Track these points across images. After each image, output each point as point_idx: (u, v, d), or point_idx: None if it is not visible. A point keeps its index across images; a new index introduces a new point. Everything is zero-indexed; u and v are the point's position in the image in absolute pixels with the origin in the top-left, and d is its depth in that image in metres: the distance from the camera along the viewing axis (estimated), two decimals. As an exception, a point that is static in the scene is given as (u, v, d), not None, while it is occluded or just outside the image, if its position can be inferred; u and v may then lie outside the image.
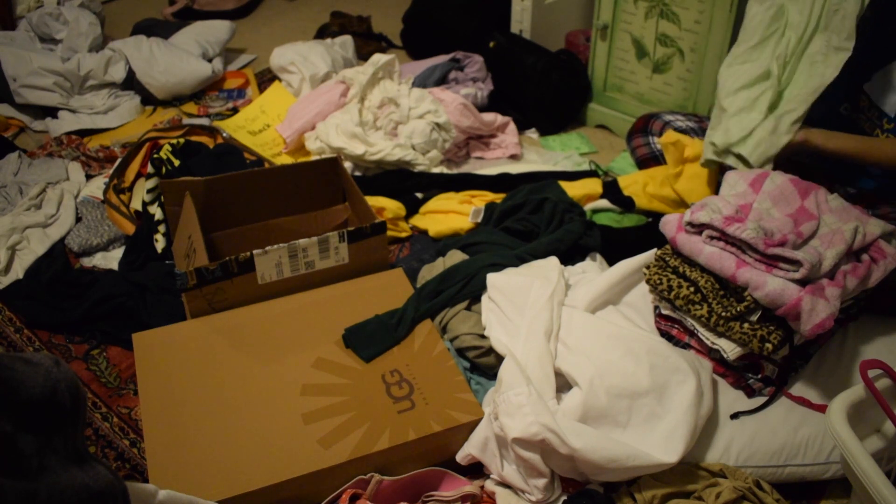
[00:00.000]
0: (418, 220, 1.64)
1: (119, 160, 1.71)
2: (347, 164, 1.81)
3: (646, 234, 1.49)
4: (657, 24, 1.82)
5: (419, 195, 1.70)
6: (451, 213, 1.60)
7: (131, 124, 2.06)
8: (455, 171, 1.86)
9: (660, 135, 1.61)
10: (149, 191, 1.50)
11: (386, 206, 1.60)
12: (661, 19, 1.81)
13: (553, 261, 1.27)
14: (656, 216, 1.54)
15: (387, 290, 1.28)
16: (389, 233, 1.56)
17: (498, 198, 1.62)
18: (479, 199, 1.62)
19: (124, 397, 1.27)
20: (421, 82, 2.00)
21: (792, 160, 1.46)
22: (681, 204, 1.55)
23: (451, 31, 2.28)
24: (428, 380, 1.12)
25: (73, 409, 0.66)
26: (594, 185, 1.63)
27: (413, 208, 1.67)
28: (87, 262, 1.57)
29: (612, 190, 1.61)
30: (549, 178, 1.64)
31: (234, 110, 2.11)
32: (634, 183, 1.60)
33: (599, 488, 1.03)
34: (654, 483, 1.00)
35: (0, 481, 0.58)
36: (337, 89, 1.94)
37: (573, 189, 1.60)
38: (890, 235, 1.12)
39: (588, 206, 1.60)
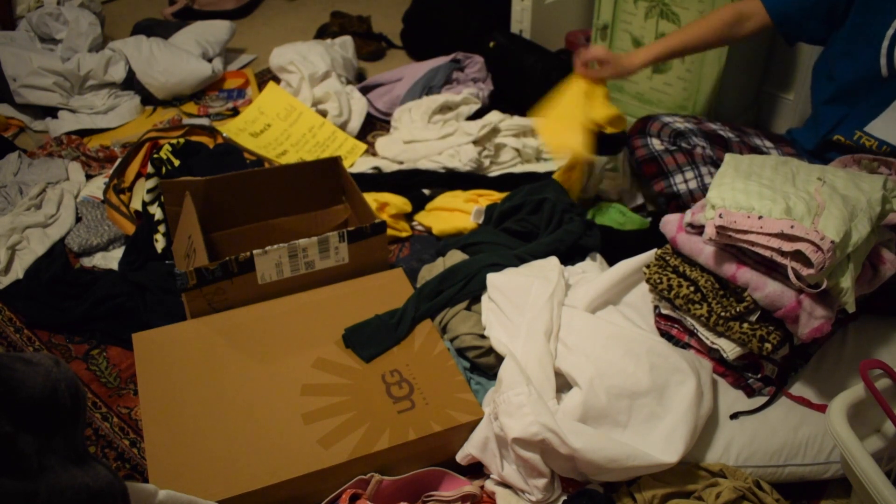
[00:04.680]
0: (423, 217, 1.65)
1: (119, 160, 1.71)
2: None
3: (646, 235, 1.49)
4: (657, 24, 1.82)
5: (426, 192, 1.71)
6: (455, 212, 1.61)
7: (131, 124, 2.06)
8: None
9: (658, 136, 1.60)
10: (149, 191, 1.50)
11: (390, 201, 1.60)
12: (661, 19, 1.81)
13: (553, 261, 1.27)
14: (656, 218, 1.53)
15: (387, 290, 1.28)
16: (389, 232, 1.56)
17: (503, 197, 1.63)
18: (485, 199, 1.63)
19: (124, 397, 1.27)
20: (426, 84, 2.00)
21: None
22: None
23: (451, 31, 2.28)
24: (428, 380, 1.12)
25: (73, 409, 0.66)
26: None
27: (420, 205, 1.68)
28: (87, 262, 1.57)
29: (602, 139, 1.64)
30: (551, 178, 1.64)
31: (234, 110, 2.10)
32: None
33: (599, 488, 1.03)
34: (654, 483, 1.00)
35: (0, 481, 0.59)
36: None
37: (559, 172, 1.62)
38: (890, 242, 1.12)
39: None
